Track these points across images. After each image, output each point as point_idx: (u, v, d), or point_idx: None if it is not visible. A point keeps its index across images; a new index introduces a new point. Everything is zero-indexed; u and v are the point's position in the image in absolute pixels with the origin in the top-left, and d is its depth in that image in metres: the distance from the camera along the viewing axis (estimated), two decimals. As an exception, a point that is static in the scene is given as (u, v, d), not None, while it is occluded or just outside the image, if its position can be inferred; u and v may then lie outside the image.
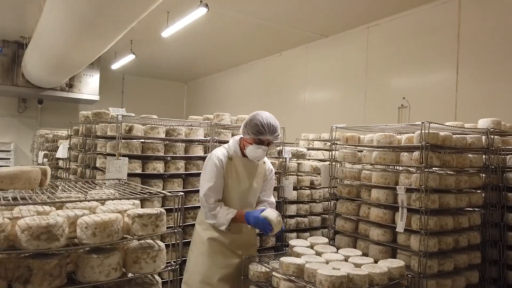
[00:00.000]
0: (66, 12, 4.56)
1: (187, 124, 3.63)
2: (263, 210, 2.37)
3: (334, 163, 3.45)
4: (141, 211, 1.62)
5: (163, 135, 3.33)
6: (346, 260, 2.68)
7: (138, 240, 1.64)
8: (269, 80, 9.30)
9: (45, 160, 6.44)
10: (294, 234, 4.21)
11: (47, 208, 1.68)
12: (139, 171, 3.19)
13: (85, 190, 2.11)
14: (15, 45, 9.02)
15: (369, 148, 3.38)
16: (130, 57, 8.59)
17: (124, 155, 3.10)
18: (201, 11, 5.66)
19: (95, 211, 1.70)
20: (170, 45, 8.53)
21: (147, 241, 1.70)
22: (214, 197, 2.43)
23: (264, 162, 2.71)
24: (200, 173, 2.63)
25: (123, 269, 1.60)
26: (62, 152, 4.67)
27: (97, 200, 1.72)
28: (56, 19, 4.95)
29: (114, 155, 3.06)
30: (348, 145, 3.44)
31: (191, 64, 10.58)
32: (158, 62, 10.39)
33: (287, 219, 4.17)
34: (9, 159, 10.11)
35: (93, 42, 5.27)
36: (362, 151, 3.47)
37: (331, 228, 3.48)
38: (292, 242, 3.01)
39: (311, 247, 2.95)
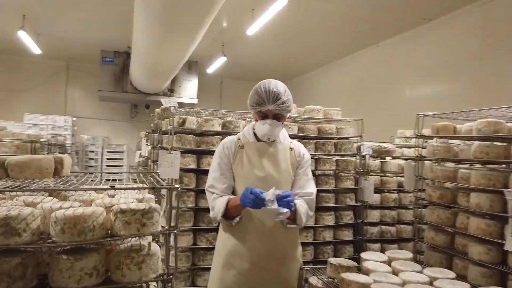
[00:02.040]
0: (148, 16, 4.64)
1: (248, 117, 3.32)
2: None
3: (421, 160, 2.78)
4: (125, 205, 1.34)
5: (218, 128, 3.07)
6: (431, 283, 2.05)
7: (122, 241, 1.36)
8: (366, 75, 8.52)
9: (141, 159, 6.80)
10: (378, 245, 3.58)
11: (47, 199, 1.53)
12: (193, 166, 2.98)
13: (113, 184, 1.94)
14: (124, 55, 9.84)
15: (468, 141, 2.64)
16: (222, 60, 8.68)
17: (179, 150, 2.92)
18: (282, 2, 5.33)
19: (90, 205, 1.48)
20: (261, 45, 8.37)
21: (142, 242, 1.41)
22: (220, 189, 2.02)
23: (291, 148, 2.14)
24: None
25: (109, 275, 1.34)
26: (144, 149, 4.79)
27: (76, 190, 1.49)
28: (142, 24, 5.09)
29: (169, 149, 2.90)
30: (439, 137, 2.74)
31: (283, 64, 10.30)
32: (251, 64, 10.36)
33: (368, 226, 3.56)
34: (122, 159, 11.11)
35: (176, 42, 5.30)
36: (459, 145, 2.74)
37: (418, 240, 2.80)
38: (364, 254, 2.46)
39: (388, 262, 2.37)
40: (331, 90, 9.93)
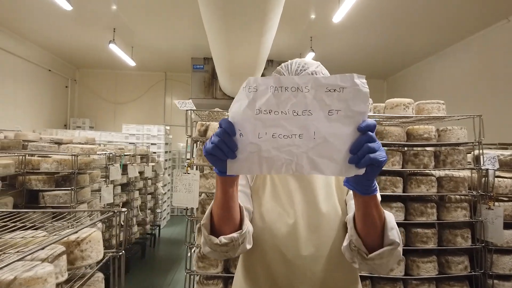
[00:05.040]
0: (209, 10, 4.13)
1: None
2: None
3: None
4: None
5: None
6: None
7: None
8: (492, 61, 6.68)
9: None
10: (513, 311, 2.31)
11: None
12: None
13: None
14: (213, 60, 9.63)
15: None
16: (311, 56, 7.80)
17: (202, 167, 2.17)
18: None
19: None
20: (352, 35, 7.26)
21: None
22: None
23: None
24: None
25: None
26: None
27: None
28: (207, 19, 4.60)
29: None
30: None
31: (380, 57, 8.88)
32: (343, 58, 9.20)
33: (495, 280, 2.31)
34: (216, 167, 10.96)
35: (243, 36, 4.65)
36: None
37: None
38: None
39: None
40: (444, 83, 8.20)
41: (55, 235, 1.22)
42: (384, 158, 0.76)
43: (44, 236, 1.25)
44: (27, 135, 4.82)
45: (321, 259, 1.10)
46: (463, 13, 6.16)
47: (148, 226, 6.17)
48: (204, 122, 2.27)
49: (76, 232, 1.24)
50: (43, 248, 1.05)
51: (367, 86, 0.78)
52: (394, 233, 0.93)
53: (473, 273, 2.33)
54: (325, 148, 0.76)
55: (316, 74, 1.11)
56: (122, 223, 1.34)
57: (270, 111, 0.76)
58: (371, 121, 0.77)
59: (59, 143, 4.66)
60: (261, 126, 0.77)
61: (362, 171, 0.76)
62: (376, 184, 0.89)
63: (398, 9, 6.07)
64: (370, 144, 0.75)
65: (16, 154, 3.29)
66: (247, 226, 1.00)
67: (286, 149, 0.77)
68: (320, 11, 6.26)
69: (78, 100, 10.96)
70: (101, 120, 11.01)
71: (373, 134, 0.77)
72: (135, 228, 5.45)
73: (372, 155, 0.75)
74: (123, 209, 1.20)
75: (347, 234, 1.03)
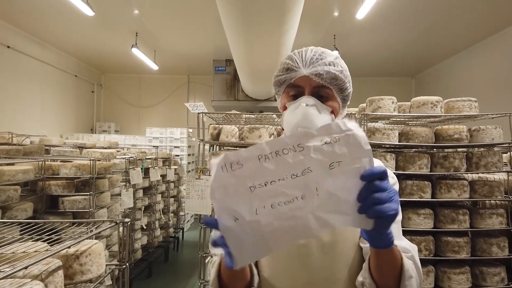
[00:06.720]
0: (226, 9, 4.07)
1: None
2: None
3: None
4: None
5: (268, 139, 2.11)
6: None
7: None
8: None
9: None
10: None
11: None
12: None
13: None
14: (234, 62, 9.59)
15: None
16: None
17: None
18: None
19: None
20: (377, 32, 7.01)
21: None
22: None
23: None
24: None
25: None
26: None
27: None
28: (224, 18, 4.54)
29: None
30: None
31: (407, 54, 8.54)
32: (367, 57, 8.93)
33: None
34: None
35: (260, 36, 4.56)
36: None
37: None
38: None
39: None
40: (479, 80, 7.77)
41: (50, 249, 1.15)
42: (392, 212, 0.69)
43: (46, 249, 1.19)
44: (51, 140, 4.87)
45: (338, 283, 0.97)
46: (496, 5, 5.81)
47: (171, 230, 6.15)
48: (216, 126, 2.18)
49: (76, 244, 1.17)
50: (36, 263, 0.98)
51: (361, 128, 0.71)
52: (413, 283, 0.85)
53: (511, 285, 2.13)
54: (332, 202, 0.69)
55: (334, 66, 0.96)
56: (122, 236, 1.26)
57: (266, 183, 0.68)
58: (377, 168, 0.69)
59: (82, 147, 4.69)
60: (257, 201, 0.68)
61: (371, 224, 0.70)
62: (393, 235, 0.77)
63: (426, 1, 5.79)
64: (376, 195, 0.68)
65: (36, 159, 3.31)
66: (257, 278, 0.97)
67: (289, 215, 0.68)
68: (343, 8, 6.07)
69: (104, 104, 11.15)
70: (126, 124, 11.16)
71: (381, 183, 0.69)
72: (158, 232, 5.43)
73: (378, 207, 0.68)
74: (126, 220, 1.13)
75: (363, 270, 0.93)
